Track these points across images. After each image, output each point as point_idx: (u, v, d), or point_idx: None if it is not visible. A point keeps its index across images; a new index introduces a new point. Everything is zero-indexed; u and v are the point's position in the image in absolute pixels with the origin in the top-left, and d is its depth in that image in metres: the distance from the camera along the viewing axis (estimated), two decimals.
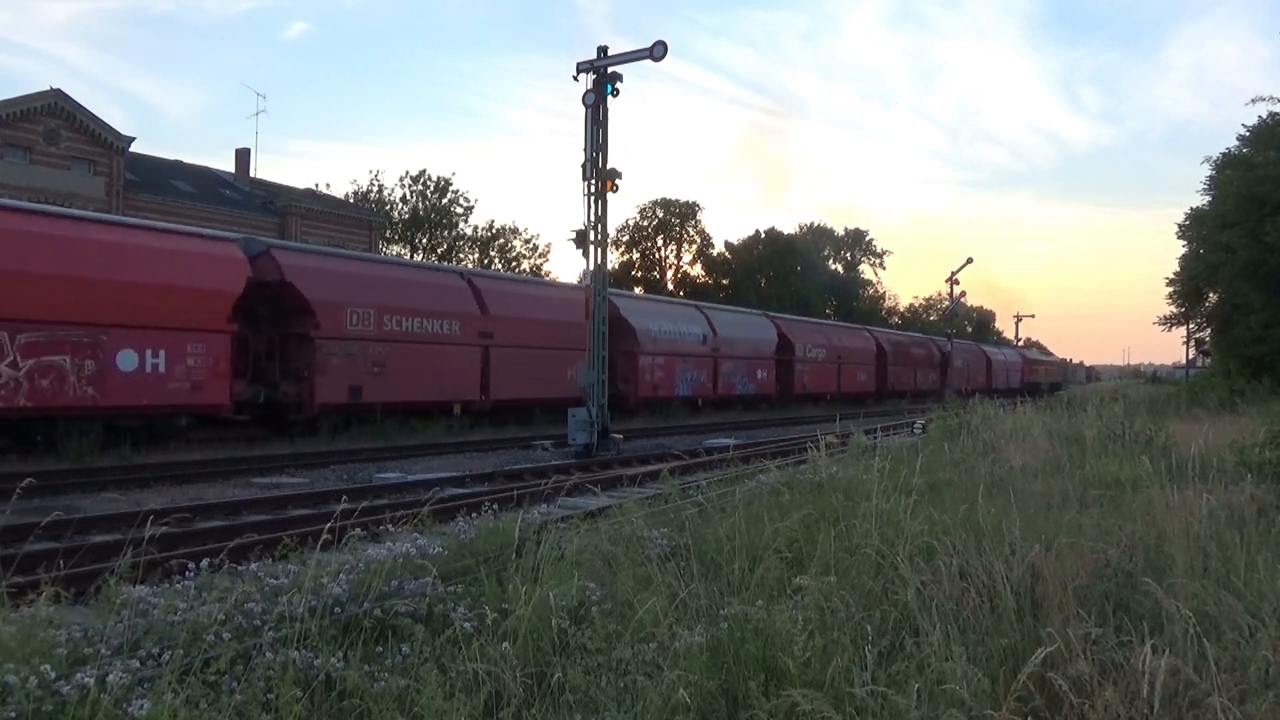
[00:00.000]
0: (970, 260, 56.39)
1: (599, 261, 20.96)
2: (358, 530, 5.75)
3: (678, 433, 28.85)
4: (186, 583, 5.01)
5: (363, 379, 22.83)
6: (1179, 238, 43.91)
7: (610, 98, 20.17)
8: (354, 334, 22.60)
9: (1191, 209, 42.68)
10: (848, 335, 51.73)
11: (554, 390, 27.42)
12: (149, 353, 18.59)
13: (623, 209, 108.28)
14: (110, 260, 18.31)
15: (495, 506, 8.52)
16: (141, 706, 3.60)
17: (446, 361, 25.22)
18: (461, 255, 66.02)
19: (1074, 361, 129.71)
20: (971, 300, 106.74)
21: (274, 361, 22.09)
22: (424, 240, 65.03)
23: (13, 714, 3.53)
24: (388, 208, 63.50)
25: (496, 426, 26.95)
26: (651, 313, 35.68)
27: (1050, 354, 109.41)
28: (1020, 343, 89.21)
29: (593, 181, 20.44)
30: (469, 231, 67.39)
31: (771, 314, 47.29)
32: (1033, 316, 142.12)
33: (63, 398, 17.44)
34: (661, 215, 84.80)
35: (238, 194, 48.62)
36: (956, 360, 61.27)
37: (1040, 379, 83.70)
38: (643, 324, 33.78)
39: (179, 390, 19.15)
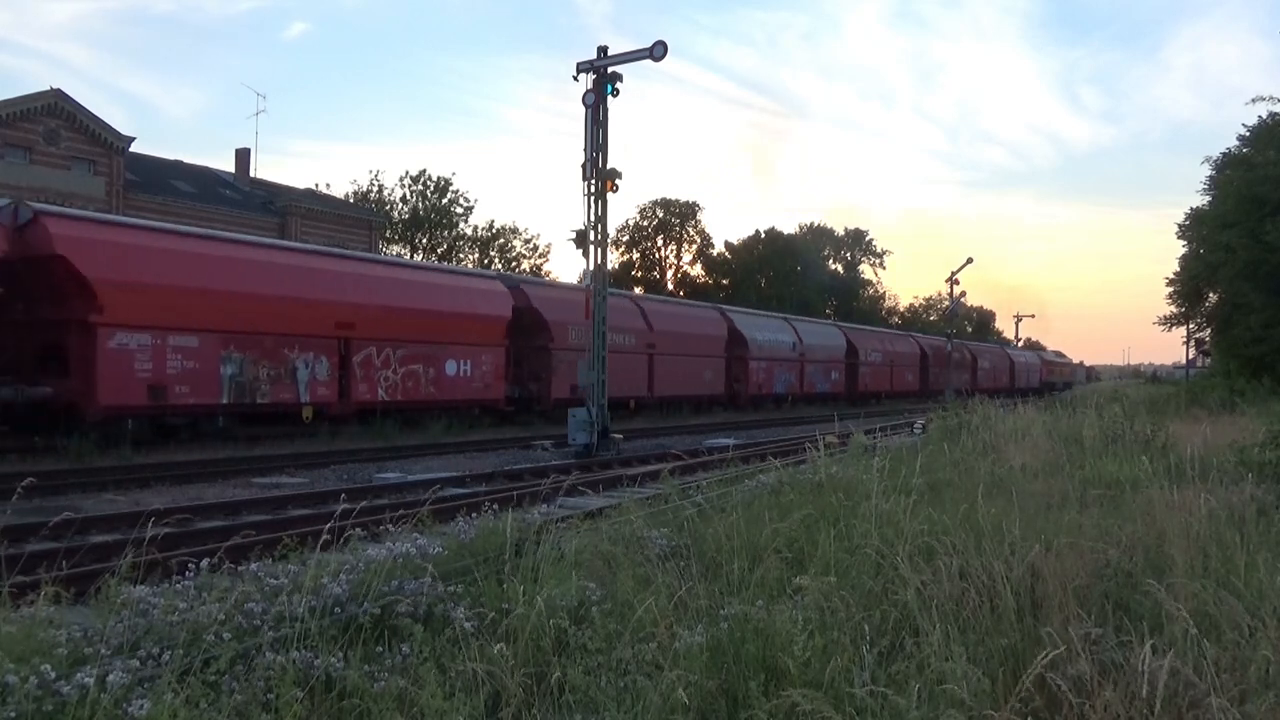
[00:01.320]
0: (970, 260, 56.33)
1: (599, 261, 20.97)
2: (358, 530, 5.74)
3: (678, 433, 28.89)
4: (186, 583, 5.00)
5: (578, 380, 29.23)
6: (1179, 238, 43.98)
7: (610, 98, 20.16)
8: (573, 345, 29.28)
9: (1191, 209, 42.74)
10: (897, 341, 60.18)
11: (696, 389, 36.72)
12: (461, 362, 26.60)
13: (623, 209, 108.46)
14: (442, 297, 26.56)
15: (495, 506, 8.52)
16: (141, 706, 3.60)
17: (626, 366, 31.87)
18: (461, 255, 66.05)
19: (1075, 362, 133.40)
20: (972, 300, 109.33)
21: (523, 367, 29.81)
22: (424, 240, 65.04)
23: (13, 714, 3.53)
24: (388, 208, 63.49)
25: (496, 427, 27.23)
26: (757, 325, 42.98)
27: (1064, 356, 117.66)
28: (1020, 343, 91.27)
29: (593, 181, 20.44)
30: (469, 231, 67.51)
31: (840, 324, 55.50)
32: (1033, 316, 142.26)
33: (418, 394, 25.49)
34: (661, 215, 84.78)
35: (238, 194, 48.61)
36: (984, 362, 69.68)
37: (1055, 378, 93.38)
38: (751, 334, 40.93)
39: (477, 389, 27.24)
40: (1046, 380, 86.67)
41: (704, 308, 42.59)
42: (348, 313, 23.21)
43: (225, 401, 20.64)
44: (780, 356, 43.13)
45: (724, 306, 45.22)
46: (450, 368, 26.03)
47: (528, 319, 29.06)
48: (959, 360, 62.46)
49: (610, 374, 29.14)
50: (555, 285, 35.77)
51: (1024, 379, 79.15)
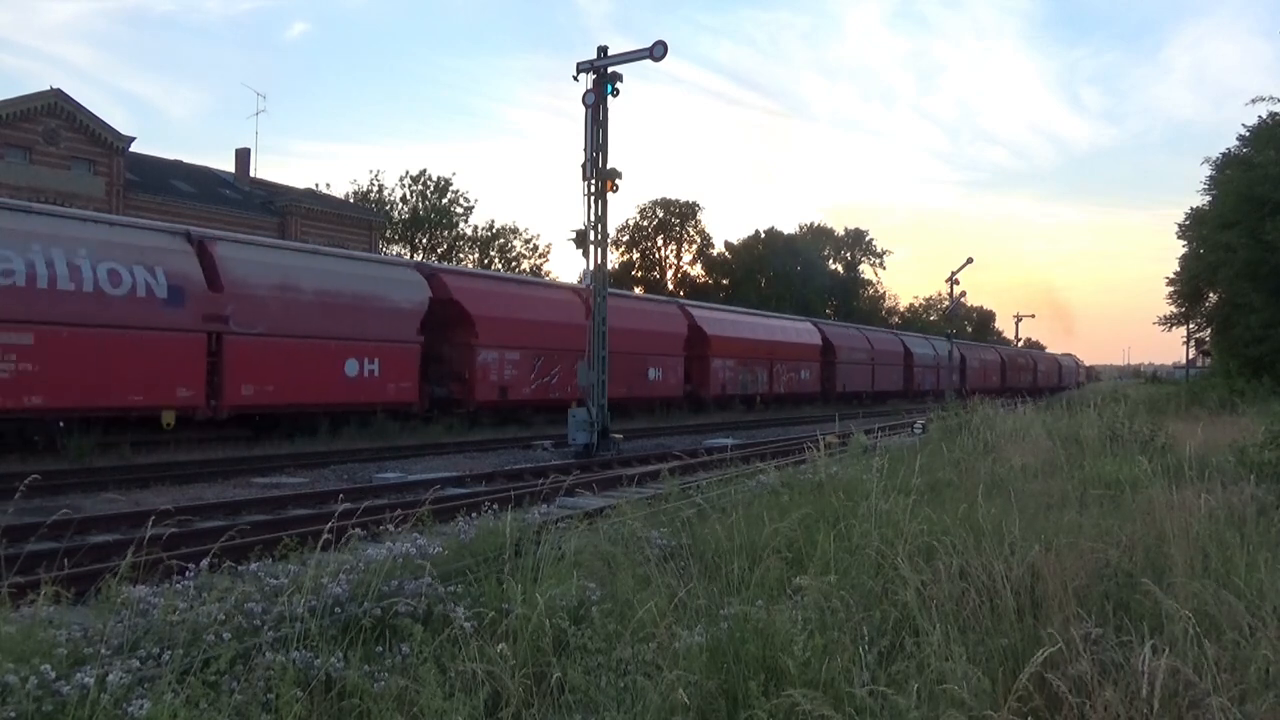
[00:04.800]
0: (970, 260, 56.50)
1: (599, 261, 20.94)
2: (357, 530, 5.74)
3: (679, 433, 28.89)
4: (186, 583, 4.99)
5: (847, 380, 50.79)
6: (1179, 238, 44.03)
7: (610, 98, 20.14)
8: (844, 360, 50.85)
9: (1191, 209, 42.81)
10: (985, 351, 79.25)
11: (891, 385, 57.37)
12: (800, 371, 46.39)
13: (623, 209, 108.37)
14: (791, 335, 46.96)
15: (495, 506, 8.51)
16: (141, 706, 3.60)
17: (861, 373, 53.14)
18: (461, 255, 66.04)
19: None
20: (974, 300, 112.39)
21: (823, 372, 48.91)
22: (424, 240, 65.03)
23: (13, 714, 3.53)
24: (388, 208, 63.47)
25: (498, 427, 27.23)
26: (916, 343, 64.20)
27: (1081, 361, 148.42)
28: (1020, 342, 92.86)
29: (593, 181, 20.42)
30: (469, 231, 67.49)
31: (955, 339, 71.01)
32: (1033, 316, 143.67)
33: (791, 388, 45.48)
34: (661, 215, 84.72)
35: (238, 194, 48.61)
36: (1041, 366, 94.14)
37: (1083, 378, 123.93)
38: (914, 349, 61.94)
39: (807, 385, 46.99)
40: (1079, 380, 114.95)
41: (887, 332, 65.78)
42: (772, 346, 43.72)
43: (736, 393, 40.42)
44: (928, 364, 63.04)
45: (897, 331, 68.37)
46: (803, 375, 46.50)
47: (826, 344, 49.30)
48: (1024, 364, 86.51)
49: (858, 376, 52.44)
50: (835, 324, 58.01)
51: (1067, 379, 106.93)
